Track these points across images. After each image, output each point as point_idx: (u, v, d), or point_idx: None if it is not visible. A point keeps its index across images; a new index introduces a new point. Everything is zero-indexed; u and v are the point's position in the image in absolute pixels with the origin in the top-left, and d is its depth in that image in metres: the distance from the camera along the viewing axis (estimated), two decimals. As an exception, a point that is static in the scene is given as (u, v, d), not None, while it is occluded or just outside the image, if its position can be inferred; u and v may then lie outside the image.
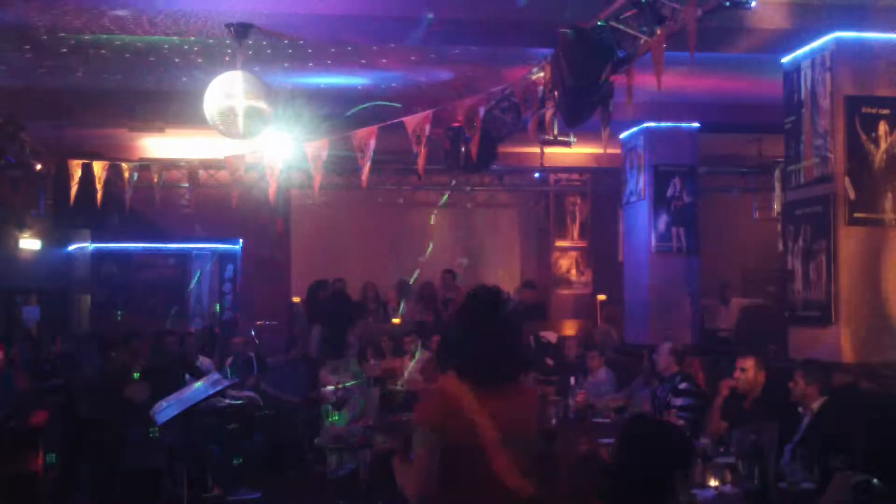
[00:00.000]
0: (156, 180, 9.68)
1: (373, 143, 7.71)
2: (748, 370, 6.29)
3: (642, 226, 11.08)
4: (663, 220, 10.90)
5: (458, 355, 3.35)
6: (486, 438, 3.15)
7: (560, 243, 14.75)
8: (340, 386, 9.04)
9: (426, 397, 3.57)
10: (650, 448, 2.96)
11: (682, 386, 7.28)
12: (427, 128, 7.43)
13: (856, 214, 7.39)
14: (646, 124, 10.96)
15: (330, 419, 9.05)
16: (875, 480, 4.25)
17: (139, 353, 9.53)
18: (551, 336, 12.29)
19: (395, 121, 7.64)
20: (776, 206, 12.42)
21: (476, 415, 3.16)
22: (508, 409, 3.24)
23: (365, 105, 8.33)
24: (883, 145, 7.43)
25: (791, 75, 7.94)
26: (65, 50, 8.43)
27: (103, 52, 8.50)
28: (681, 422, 6.93)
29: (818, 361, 6.26)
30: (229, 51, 7.87)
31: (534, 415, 3.45)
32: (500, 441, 3.16)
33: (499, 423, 3.18)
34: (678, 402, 7.18)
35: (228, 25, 7.32)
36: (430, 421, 3.19)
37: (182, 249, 14.26)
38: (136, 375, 9.28)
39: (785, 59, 7.99)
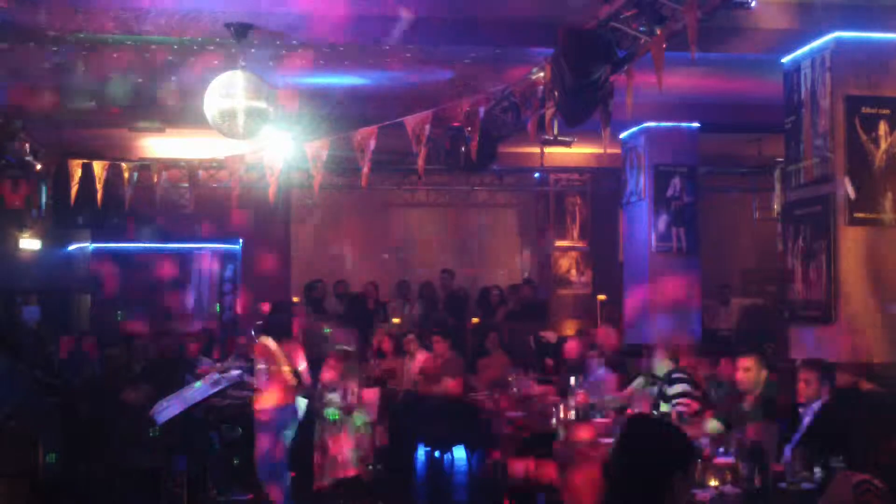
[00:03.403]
0: (156, 180, 9.67)
1: (373, 143, 7.71)
2: (750, 370, 6.29)
3: (642, 226, 11.08)
4: (663, 220, 10.90)
5: (268, 328, 8.52)
6: (279, 359, 8.05)
7: (560, 243, 14.75)
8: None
9: (259, 346, 8.26)
10: (649, 448, 2.95)
11: (676, 375, 7.32)
12: (427, 128, 7.43)
13: (856, 214, 7.39)
14: (646, 124, 10.95)
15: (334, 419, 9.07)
16: (875, 480, 4.25)
17: (139, 353, 9.53)
18: (551, 336, 12.30)
19: (395, 121, 7.64)
20: (776, 206, 12.42)
21: (277, 352, 8.08)
22: (288, 350, 8.14)
23: None
24: (883, 145, 7.43)
25: (791, 75, 7.94)
26: (65, 50, 8.42)
27: (103, 52, 8.50)
28: (679, 408, 6.95)
29: (826, 361, 6.26)
30: (230, 51, 7.87)
31: (297, 352, 8.23)
32: (283, 361, 8.07)
33: (285, 353, 8.11)
34: (673, 389, 7.20)
35: (228, 25, 7.32)
36: (262, 354, 8.10)
37: (182, 249, 14.25)
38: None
39: (785, 59, 7.99)
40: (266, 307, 10.50)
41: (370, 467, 9.46)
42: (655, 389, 7.70)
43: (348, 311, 13.19)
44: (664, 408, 7.17)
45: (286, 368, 8.09)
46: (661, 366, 7.56)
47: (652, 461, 2.90)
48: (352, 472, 9.03)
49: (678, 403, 7.05)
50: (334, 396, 9.09)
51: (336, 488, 8.94)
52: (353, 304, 13.47)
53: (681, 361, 7.73)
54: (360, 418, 9.11)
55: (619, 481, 2.97)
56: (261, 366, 8.15)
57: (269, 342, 8.19)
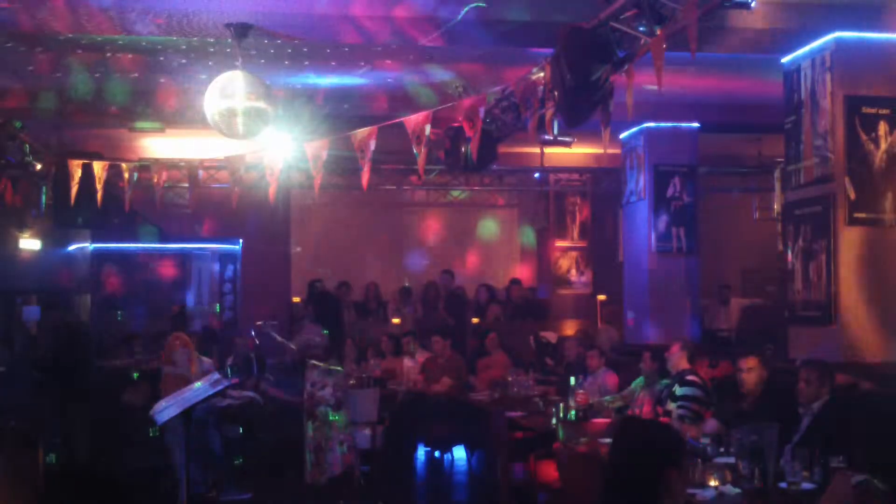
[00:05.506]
0: (156, 180, 9.66)
1: (373, 143, 7.69)
2: (750, 370, 6.27)
3: (642, 226, 11.08)
4: (663, 220, 10.90)
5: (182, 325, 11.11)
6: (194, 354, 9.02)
7: (560, 243, 14.74)
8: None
9: (184, 339, 8.98)
10: (639, 447, 2.97)
11: (689, 377, 7.28)
12: (427, 128, 7.42)
13: (856, 214, 7.39)
14: (646, 124, 10.96)
15: (332, 418, 9.07)
16: (875, 480, 4.25)
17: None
18: (551, 336, 12.29)
19: (395, 121, 7.64)
20: (776, 206, 12.43)
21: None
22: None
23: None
24: (883, 145, 7.44)
25: (791, 75, 7.94)
26: (65, 50, 8.43)
27: (103, 52, 8.50)
28: (682, 411, 6.94)
29: (826, 362, 6.26)
30: (229, 51, 7.87)
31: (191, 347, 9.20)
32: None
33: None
34: (682, 391, 7.17)
35: (228, 25, 7.32)
36: (189, 345, 8.95)
37: (182, 249, 14.25)
38: (135, 376, 9.31)
39: (785, 59, 7.99)
40: (175, 308, 12.85)
41: (368, 467, 9.46)
42: (660, 387, 7.67)
43: (316, 308, 13.08)
44: (670, 406, 7.16)
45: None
46: (678, 363, 7.49)
47: (643, 458, 2.92)
48: (344, 470, 9.05)
49: (683, 407, 7.03)
50: (324, 395, 9.11)
51: (329, 487, 8.93)
52: (321, 302, 13.30)
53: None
54: (342, 416, 9.13)
55: (615, 481, 2.98)
56: (189, 355, 8.96)
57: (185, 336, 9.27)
